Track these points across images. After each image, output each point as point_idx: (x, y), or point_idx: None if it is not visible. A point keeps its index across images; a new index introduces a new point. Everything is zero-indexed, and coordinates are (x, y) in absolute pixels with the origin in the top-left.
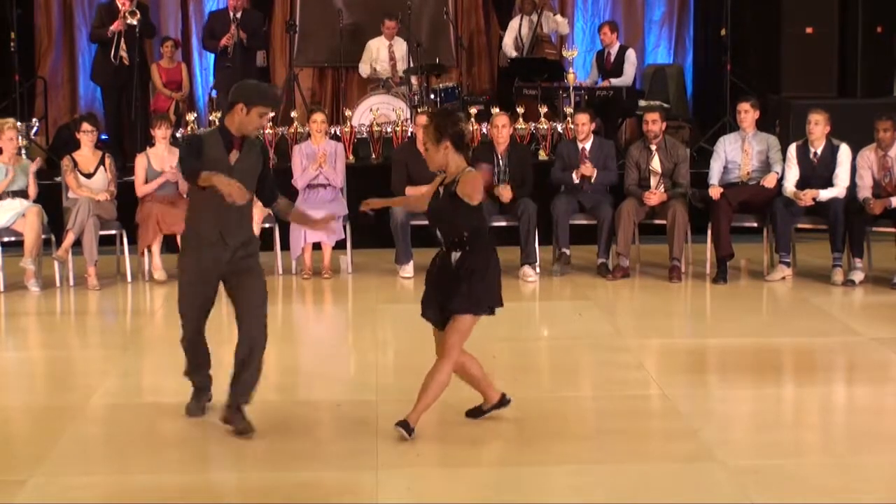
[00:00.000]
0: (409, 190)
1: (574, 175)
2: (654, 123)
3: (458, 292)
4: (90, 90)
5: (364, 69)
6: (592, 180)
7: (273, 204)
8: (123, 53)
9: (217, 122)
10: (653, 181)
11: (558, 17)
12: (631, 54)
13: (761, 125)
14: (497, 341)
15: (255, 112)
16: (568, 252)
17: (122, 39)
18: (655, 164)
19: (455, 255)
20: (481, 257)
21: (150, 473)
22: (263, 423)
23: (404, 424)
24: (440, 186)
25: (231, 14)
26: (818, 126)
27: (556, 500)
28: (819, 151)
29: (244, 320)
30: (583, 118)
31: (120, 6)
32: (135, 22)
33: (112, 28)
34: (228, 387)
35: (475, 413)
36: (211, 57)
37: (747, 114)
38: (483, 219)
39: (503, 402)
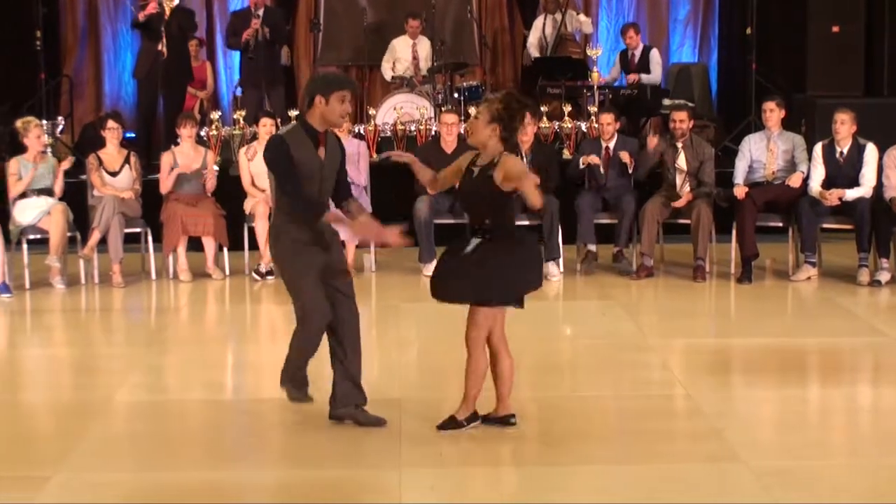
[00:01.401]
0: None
1: (581, 161)
2: (682, 122)
3: (468, 279)
4: (116, 88)
5: (386, 71)
6: (630, 168)
7: (345, 203)
8: (163, 47)
9: (241, 121)
10: (678, 179)
11: (581, 16)
12: (655, 54)
13: (787, 124)
14: (520, 340)
15: (335, 99)
16: (594, 249)
17: (164, 32)
18: (681, 162)
19: (474, 241)
20: (501, 248)
21: (174, 471)
22: (287, 421)
23: (452, 422)
24: (473, 166)
25: (253, 10)
26: (844, 125)
27: (580, 501)
28: (845, 151)
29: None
30: (608, 118)
31: None
32: (174, 4)
33: (146, 12)
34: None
35: (485, 418)
36: (236, 56)
37: (773, 113)
38: (511, 211)
39: (508, 420)
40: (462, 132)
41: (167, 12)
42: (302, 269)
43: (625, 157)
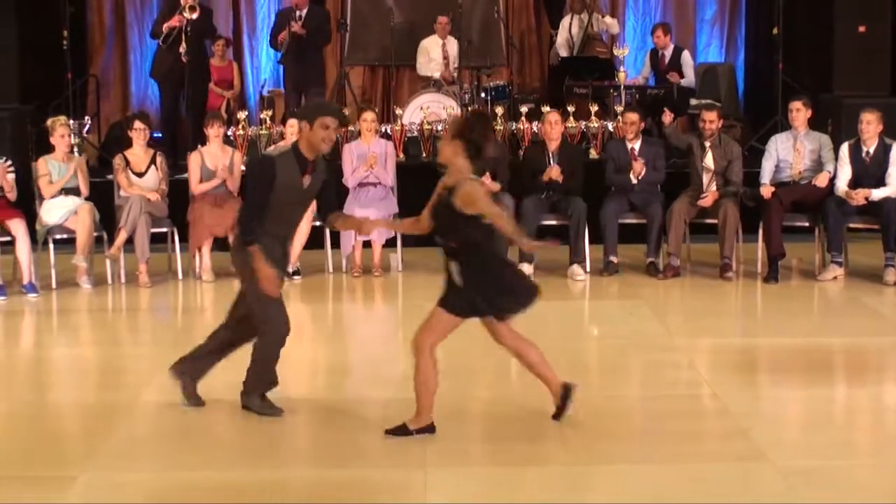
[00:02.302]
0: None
1: (632, 176)
2: (711, 122)
3: (450, 290)
4: (142, 88)
5: (422, 67)
6: (639, 176)
7: (330, 216)
8: (182, 51)
9: (268, 121)
10: (706, 178)
11: (607, 18)
12: (687, 56)
13: (813, 124)
14: (546, 340)
15: (318, 125)
16: (615, 260)
17: (183, 36)
18: (709, 161)
19: (453, 265)
20: (475, 270)
21: (200, 470)
22: (312, 421)
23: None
24: (442, 191)
25: (296, 13)
26: (870, 125)
27: (606, 500)
28: (871, 151)
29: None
30: (632, 117)
31: (182, 1)
32: (193, 17)
33: (168, 24)
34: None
35: (557, 415)
36: (263, 56)
37: (799, 112)
38: (480, 231)
39: (567, 390)
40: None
41: (188, 18)
42: None
43: (638, 166)
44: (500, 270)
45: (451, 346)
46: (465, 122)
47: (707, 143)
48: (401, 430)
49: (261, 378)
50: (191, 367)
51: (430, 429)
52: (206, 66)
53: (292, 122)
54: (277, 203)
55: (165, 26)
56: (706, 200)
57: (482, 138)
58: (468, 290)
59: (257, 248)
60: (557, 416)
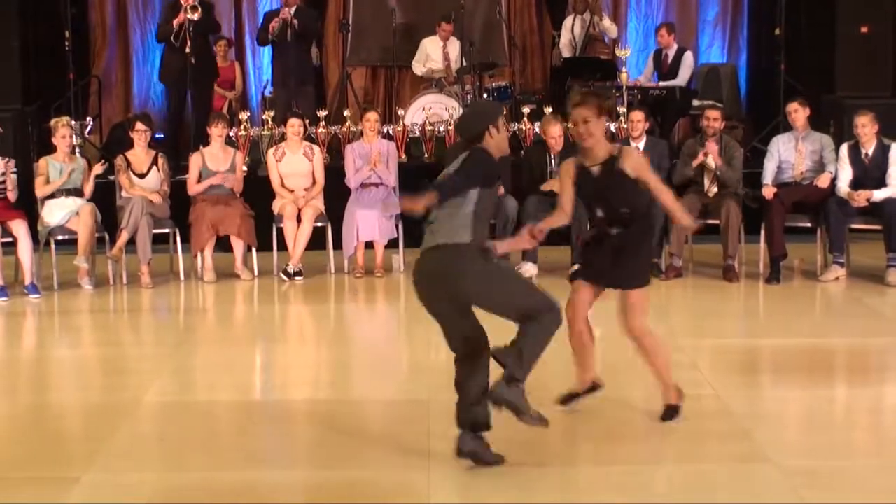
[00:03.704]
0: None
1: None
2: (714, 121)
3: (626, 269)
4: (144, 89)
5: (418, 68)
6: None
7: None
8: (189, 53)
9: (270, 122)
10: (706, 179)
11: (606, 20)
12: (688, 57)
13: (815, 125)
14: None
15: (502, 125)
16: None
17: (189, 37)
18: (710, 160)
19: (614, 231)
20: (639, 235)
21: (203, 471)
22: (315, 422)
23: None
24: (592, 168)
25: (285, 9)
26: (865, 128)
27: (609, 500)
28: (870, 152)
29: None
30: (638, 115)
31: (182, 2)
32: (195, 17)
33: (176, 21)
34: None
35: (567, 399)
36: (265, 56)
37: (797, 113)
38: (644, 197)
39: (595, 387)
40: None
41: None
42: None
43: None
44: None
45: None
46: (604, 100)
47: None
48: (672, 412)
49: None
50: (470, 420)
51: (681, 396)
52: (213, 65)
53: (293, 122)
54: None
55: (175, 22)
56: (710, 193)
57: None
58: (642, 256)
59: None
60: (566, 401)
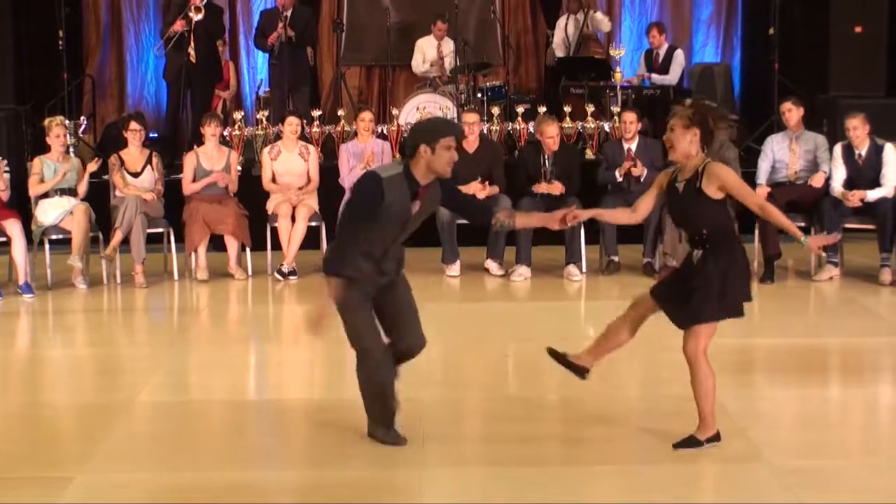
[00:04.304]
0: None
1: (617, 173)
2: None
3: (689, 305)
4: (138, 88)
5: (417, 66)
6: (642, 179)
7: (494, 209)
8: (191, 51)
9: (264, 121)
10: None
11: (598, 14)
12: (679, 54)
13: (809, 124)
14: (542, 341)
15: (441, 147)
16: (616, 259)
17: (191, 37)
18: (633, 171)
19: (696, 254)
20: (723, 258)
21: (197, 471)
22: (309, 422)
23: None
24: (678, 183)
25: (281, 11)
26: (857, 130)
27: (602, 501)
28: (863, 153)
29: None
30: (630, 116)
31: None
32: (198, 18)
33: (175, 28)
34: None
35: (556, 355)
36: (259, 56)
37: (791, 112)
38: (727, 216)
39: (581, 371)
40: (483, 133)
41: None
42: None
43: (636, 170)
44: (741, 261)
45: (446, 346)
46: (698, 112)
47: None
48: (690, 442)
49: (371, 411)
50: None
51: (717, 437)
52: (216, 68)
53: (291, 121)
54: (377, 227)
55: (171, 30)
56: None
57: (712, 124)
58: (712, 290)
59: (338, 281)
60: (558, 356)
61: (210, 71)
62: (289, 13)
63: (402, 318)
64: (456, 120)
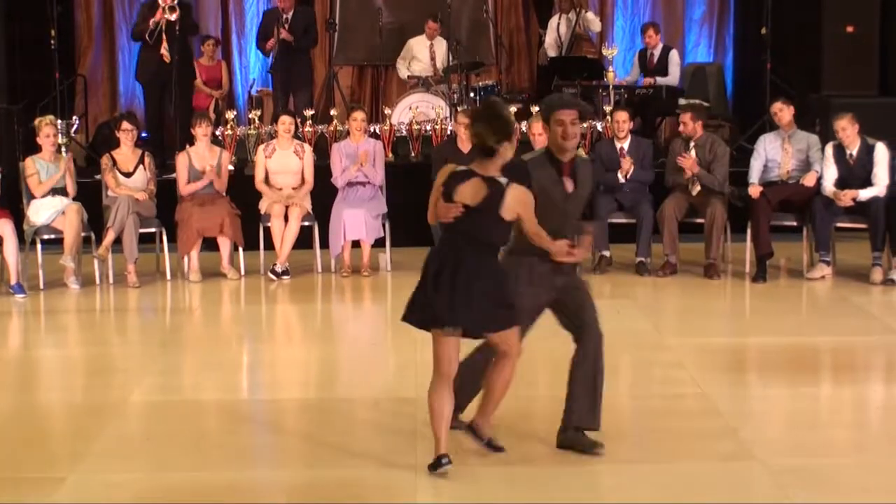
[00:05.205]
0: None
1: (619, 175)
2: (684, 125)
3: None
4: (130, 88)
5: (401, 69)
6: (628, 176)
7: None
8: (164, 51)
9: (257, 121)
10: (687, 175)
11: (589, 14)
12: (675, 55)
13: (801, 124)
14: (535, 339)
15: (553, 122)
16: (608, 254)
17: (164, 36)
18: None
19: None
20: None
21: (189, 471)
22: (302, 421)
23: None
24: None
25: (282, 16)
26: (846, 130)
27: (595, 500)
28: (854, 153)
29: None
30: (622, 115)
31: (161, 2)
32: (173, 18)
33: (154, 19)
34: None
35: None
36: (251, 55)
37: (782, 112)
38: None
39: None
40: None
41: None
42: None
43: (626, 164)
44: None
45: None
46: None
47: (692, 143)
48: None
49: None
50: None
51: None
52: (189, 65)
53: (284, 119)
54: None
55: (152, 21)
56: (686, 163)
57: None
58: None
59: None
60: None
61: (185, 69)
62: (289, 15)
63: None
64: (449, 120)
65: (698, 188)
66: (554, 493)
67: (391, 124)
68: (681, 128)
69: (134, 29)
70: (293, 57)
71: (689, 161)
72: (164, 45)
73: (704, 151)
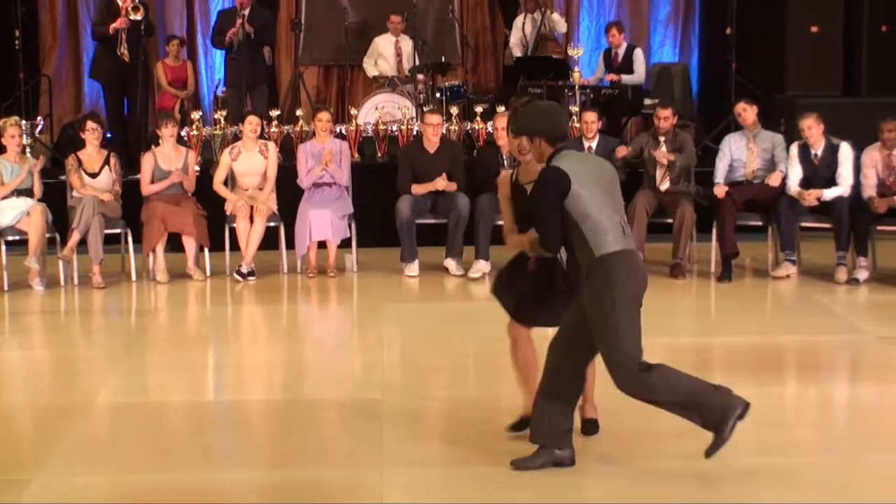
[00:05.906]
0: (416, 188)
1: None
2: (666, 120)
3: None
4: (95, 88)
5: (368, 68)
6: None
7: None
8: (125, 51)
9: (222, 121)
10: (659, 172)
11: (555, 15)
12: (639, 53)
13: (767, 124)
14: (498, 341)
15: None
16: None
17: (124, 37)
18: (661, 155)
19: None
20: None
21: (156, 472)
22: (268, 422)
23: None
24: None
25: (238, 10)
26: (812, 129)
27: (557, 500)
28: (819, 152)
29: None
30: (591, 116)
31: (120, 2)
32: (139, 18)
33: (115, 25)
34: None
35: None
36: (217, 56)
37: (746, 112)
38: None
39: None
40: (443, 133)
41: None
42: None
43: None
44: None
45: (406, 345)
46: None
47: (661, 138)
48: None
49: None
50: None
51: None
52: (146, 65)
53: (251, 120)
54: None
55: (112, 27)
56: (661, 157)
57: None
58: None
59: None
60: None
61: (144, 70)
62: (247, 11)
63: None
64: (415, 120)
65: (667, 185)
66: (521, 492)
67: (357, 124)
68: (661, 123)
69: (94, 30)
70: (251, 53)
71: (663, 152)
72: (124, 44)
73: (673, 145)
